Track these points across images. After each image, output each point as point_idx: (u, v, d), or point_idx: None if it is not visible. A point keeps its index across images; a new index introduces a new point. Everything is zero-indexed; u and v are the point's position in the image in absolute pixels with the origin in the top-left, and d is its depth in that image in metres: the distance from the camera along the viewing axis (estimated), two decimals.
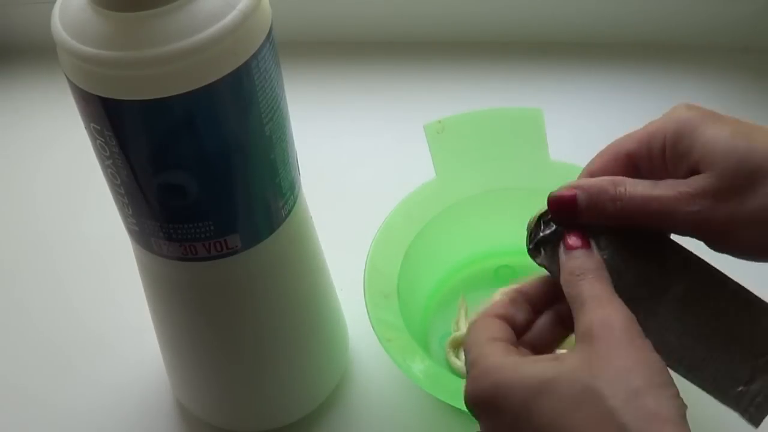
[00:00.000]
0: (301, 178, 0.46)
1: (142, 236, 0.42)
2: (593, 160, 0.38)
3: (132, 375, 0.57)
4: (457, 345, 0.54)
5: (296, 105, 0.45)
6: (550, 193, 0.37)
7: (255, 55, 0.37)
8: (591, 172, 0.38)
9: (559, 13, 0.78)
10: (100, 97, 0.35)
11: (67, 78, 0.37)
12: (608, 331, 0.32)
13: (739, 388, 0.34)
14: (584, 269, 0.35)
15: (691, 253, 0.36)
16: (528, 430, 0.31)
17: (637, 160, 0.37)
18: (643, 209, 0.35)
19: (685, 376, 0.35)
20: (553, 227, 0.37)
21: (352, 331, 0.56)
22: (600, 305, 0.33)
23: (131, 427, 0.55)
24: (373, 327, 0.49)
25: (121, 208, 0.42)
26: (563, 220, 0.37)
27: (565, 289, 0.35)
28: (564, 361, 0.32)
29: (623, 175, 0.36)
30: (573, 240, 0.36)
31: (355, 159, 0.72)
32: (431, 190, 0.56)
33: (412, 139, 0.58)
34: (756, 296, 0.36)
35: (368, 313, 0.49)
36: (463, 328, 0.55)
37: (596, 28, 0.78)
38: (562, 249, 0.36)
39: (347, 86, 0.79)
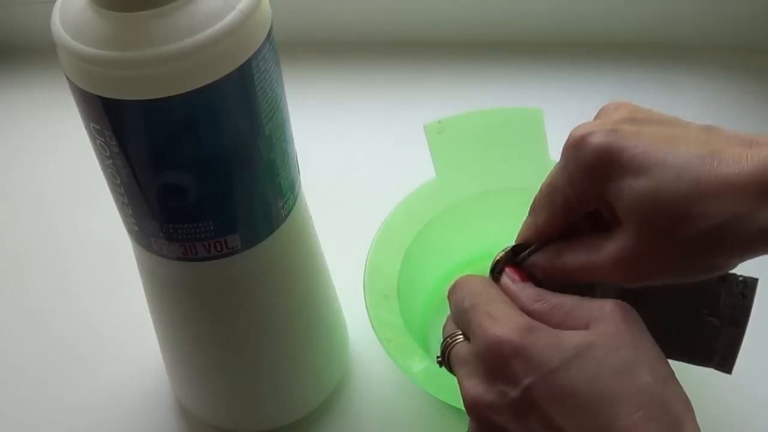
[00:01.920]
0: (301, 178, 0.46)
1: (142, 236, 0.42)
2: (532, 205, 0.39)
3: (132, 375, 0.57)
4: None
5: (296, 105, 0.45)
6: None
7: (255, 55, 0.37)
8: (535, 227, 0.38)
9: (559, 13, 0.78)
10: (100, 97, 0.35)
11: (67, 78, 0.37)
12: (627, 313, 0.33)
13: (709, 350, 0.36)
14: (537, 293, 0.36)
15: None
16: (560, 385, 0.31)
17: (562, 194, 0.35)
18: (582, 276, 0.35)
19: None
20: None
21: (352, 331, 0.56)
22: (595, 301, 0.34)
23: (131, 426, 0.55)
24: (373, 327, 0.49)
25: (121, 208, 0.42)
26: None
27: (533, 306, 0.35)
28: (593, 330, 0.32)
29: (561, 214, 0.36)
30: (515, 275, 0.37)
31: (355, 159, 0.72)
32: (431, 190, 0.56)
33: (412, 139, 0.58)
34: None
35: (368, 313, 0.49)
36: None
37: (596, 28, 0.78)
38: (505, 280, 0.37)
39: (347, 86, 0.79)
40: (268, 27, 0.38)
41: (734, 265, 0.33)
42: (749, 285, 0.36)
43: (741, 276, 0.36)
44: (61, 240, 0.67)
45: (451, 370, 0.37)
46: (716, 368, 0.37)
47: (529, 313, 0.35)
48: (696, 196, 0.30)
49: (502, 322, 0.34)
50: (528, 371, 0.32)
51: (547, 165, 0.55)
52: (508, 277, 0.37)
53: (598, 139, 0.33)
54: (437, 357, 0.37)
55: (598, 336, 0.32)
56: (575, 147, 0.34)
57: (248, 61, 0.36)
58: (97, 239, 0.66)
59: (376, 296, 0.51)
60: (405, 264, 0.53)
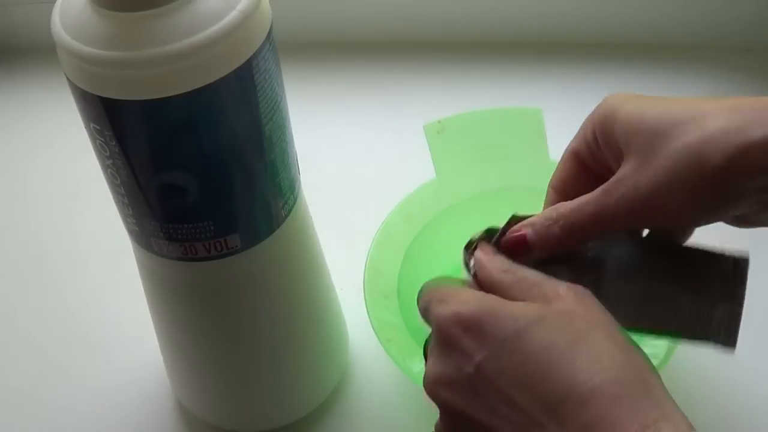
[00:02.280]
0: (301, 178, 0.46)
1: (142, 236, 0.42)
2: (554, 173, 0.40)
3: (132, 375, 0.57)
4: None
5: (296, 105, 0.45)
6: (503, 239, 0.38)
7: (255, 55, 0.37)
8: (555, 185, 0.40)
9: (558, 14, 0.78)
10: (100, 97, 0.35)
11: (67, 78, 0.37)
12: (581, 296, 0.33)
13: (706, 327, 0.36)
14: (507, 264, 0.36)
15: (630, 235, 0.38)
16: (513, 356, 0.31)
17: (582, 157, 0.39)
18: (581, 216, 0.36)
19: (654, 334, 0.37)
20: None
21: (352, 331, 0.56)
22: (557, 281, 0.34)
23: (132, 427, 0.55)
24: (373, 327, 0.49)
25: (121, 208, 0.42)
26: (520, 257, 0.37)
27: (501, 276, 0.36)
28: (549, 305, 0.33)
29: (579, 178, 0.39)
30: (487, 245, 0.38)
31: (355, 159, 0.72)
32: (431, 190, 0.56)
33: (412, 139, 0.58)
34: (697, 248, 0.37)
35: (368, 314, 0.49)
36: None
37: (596, 28, 0.78)
38: (476, 257, 0.38)
39: (347, 86, 0.79)
40: (268, 27, 0.38)
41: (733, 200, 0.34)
42: (740, 260, 0.36)
43: (732, 254, 0.37)
44: (61, 240, 0.67)
45: None
46: (717, 345, 0.36)
47: (494, 284, 0.35)
48: (681, 118, 0.34)
49: (451, 301, 0.34)
50: (480, 345, 0.32)
51: (547, 165, 0.56)
52: (481, 250, 0.38)
53: (608, 99, 0.38)
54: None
55: (552, 310, 0.32)
56: (604, 98, 0.39)
57: (248, 61, 0.36)
58: (97, 239, 0.66)
59: (376, 296, 0.51)
60: (405, 264, 0.53)
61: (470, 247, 0.39)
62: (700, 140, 0.33)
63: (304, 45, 0.74)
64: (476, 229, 0.58)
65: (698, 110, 0.34)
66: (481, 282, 0.37)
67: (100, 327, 0.60)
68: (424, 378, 0.34)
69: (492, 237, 0.39)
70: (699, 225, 0.36)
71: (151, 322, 0.50)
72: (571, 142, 0.39)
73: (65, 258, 0.66)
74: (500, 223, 0.39)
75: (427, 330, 0.37)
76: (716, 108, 0.34)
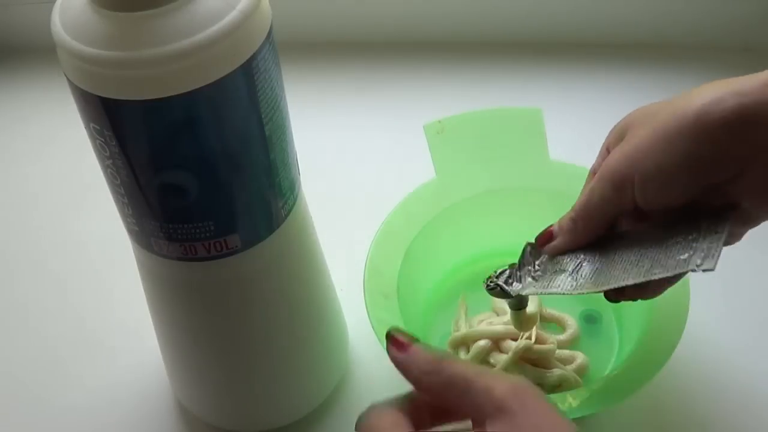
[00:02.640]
0: (301, 178, 0.46)
1: (142, 236, 0.42)
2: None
3: (132, 375, 0.57)
4: (458, 345, 0.54)
5: (296, 105, 0.45)
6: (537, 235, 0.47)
7: (255, 55, 0.37)
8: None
9: (559, 14, 0.78)
10: (100, 97, 0.35)
11: (67, 78, 0.37)
12: (522, 397, 0.31)
13: (689, 256, 0.38)
14: (438, 357, 0.34)
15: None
16: None
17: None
18: (589, 201, 0.42)
19: (644, 279, 0.40)
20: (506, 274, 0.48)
21: (352, 331, 0.56)
22: (491, 378, 0.32)
23: (132, 427, 0.54)
24: (373, 327, 0.49)
25: (121, 208, 0.42)
26: (547, 247, 0.46)
27: (430, 385, 0.33)
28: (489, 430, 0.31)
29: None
30: (400, 337, 0.35)
31: (355, 159, 0.72)
32: (431, 190, 0.56)
33: (412, 140, 0.58)
34: (689, 209, 0.40)
35: (368, 313, 0.49)
36: (463, 328, 0.55)
37: (596, 28, 0.78)
38: (393, 352, 0.35)
39: (347, 86, 0.79)
40: (268, 27, 0.38)
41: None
42: (724, 211, 0.39)
43: (715, 208, 0.39)
44: (61, 240, 0.67)
45: None
46: (699, 266, 0.37)
47: (425, 389, 0.34)
48: (671, 102, 0.39)
49: None
50: None
51: (547, 165, 0.56)
52: (393, 348, 0.35)
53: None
54: None
55: None
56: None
57: (248, 61, 0.36)
58: (97, 239, 0.66)
59: (376, 296, 0.51)
60: (405, 264, 0.53)
61: (490, 284, 0.48)
62: (684, 104, 0.37)
63: (304, 45, 0.74)
64: (476, 229, 0.59)
65: (686, 94, 0.38)
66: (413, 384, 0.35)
67: (100, 327, 0.60)
68: None
69: (513, 271, 0.47)
70: (686, 193, 0.38)
71: (151, 322, 0.50)
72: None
73: (65, 258, 0.66)
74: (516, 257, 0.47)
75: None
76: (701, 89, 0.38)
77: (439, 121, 0.56)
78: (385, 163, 0.70)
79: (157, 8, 0.34)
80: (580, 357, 0.53)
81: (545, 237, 0.46)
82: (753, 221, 0.40)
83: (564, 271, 0.44)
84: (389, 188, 0.57)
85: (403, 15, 0.80)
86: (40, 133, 0.77)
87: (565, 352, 0.53)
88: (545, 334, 0.53)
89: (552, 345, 0.52)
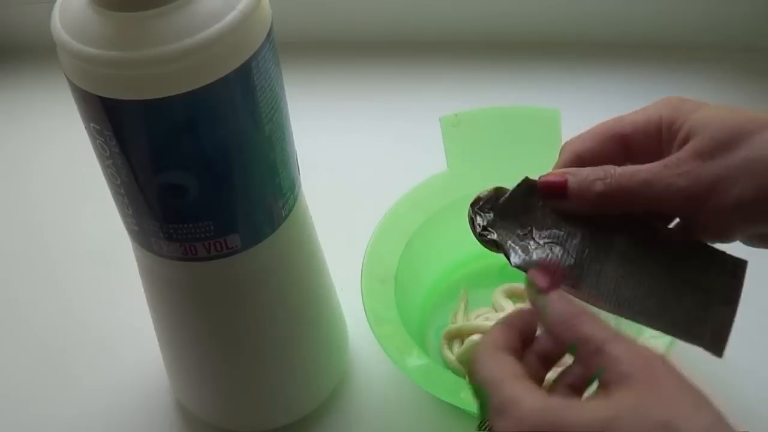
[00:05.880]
0: (301, 178, 0.46)
1: (142, 236, 0.42)
2: (578, 139, 0.39)
3: (132, 375, 0.57)
4: (452, 337, 0.54)
5: (296, 105, 0.45)
6: (540, 176, 0.38)
7: (255, 55, 0.37)
8: (581, 153, 0.38)
9: (559, 14, 0.78)
10: (100, 97, 0.35)
11: (67, 78, 0.37)
12: (650, 368, 0.31)
13: (698, 326, 0.35)
14: (574, 312, 0.33)
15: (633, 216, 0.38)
16: None
17: (632, 142, 0.38)
18: (631, 180, 0.36)
19: (647, 326, 0.36)
20: (490, 213, 0.39)
21: (352, 330, 0.56)
22: (622, 345, 0.32)
23: (132, 427, 0.55)
24: (368, 321, 0.49)
25: (121, 208, 0.42)
26: (553, 202, 0.38)
27: (561, 335, 0.33)
28: (617, 399, 0.30)
29: (616, 158, 0.38)
30: (544, 282, 0.35)
31: (355, 159, 0.72)
32: (441, 182, 0.56)
33: (413, 140, 0.58)
34: (701, 243, 0.37)
35: (363, 300, 0.49)
36: (460, 321, 0.55)
37: (595, 29, 0.78)
38: (533, 293, 0.35)
39: (347, 86, 0.79)
40: (268, 27, 0.38)
41: None
42: (740, 264, 0.37)
43: (731, 256, 0.37)
44: (61, 240, 0.67)
45: None
46: (706, 348, 0.36)
47: (552, 337, 0.34)
48: (760, 121, 0.35)
49: (509, 415, 0.31)
50: None
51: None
52: (534, 283, 0.35)
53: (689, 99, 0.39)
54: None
55: (619, 407, 0.30)
56: (667, 98, 0.39)
57: (248, 61, 0.36)
58: (97, 239, 0.66)
59: (373, 281, 0.51)
60: (406, 252, 0.53)
61: (476, 205, 0.40)
62: None
63: (304, 45, 0.74)
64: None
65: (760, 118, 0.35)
66: (542, 322, 0.35)
67: (100, 327, 0.60)
68: None
69: (501, 195, 0.39)
70: (741, 230, 0.36)
71: (151, 322, 0.50)
72: (613, 125, 0.39)
73: (65, 258, 0.66)
74: (511, 185, 0.40)
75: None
76: None
77: (456, 115, 0.56)
78: (386, 164, 0.70)
79: (157, 8, 0.34)
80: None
81: (554, 187, 0.37)
82: None
83: (558, 244, 0.38)
84: (389, 188, 0.57)
85: (403, 15, 0.80)
86: (40, 133, 0.77)
87: None
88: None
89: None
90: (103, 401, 0.56)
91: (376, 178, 0.69)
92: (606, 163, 0.37)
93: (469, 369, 0.35)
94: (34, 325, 0.62)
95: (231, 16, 0.35)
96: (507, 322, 0.36)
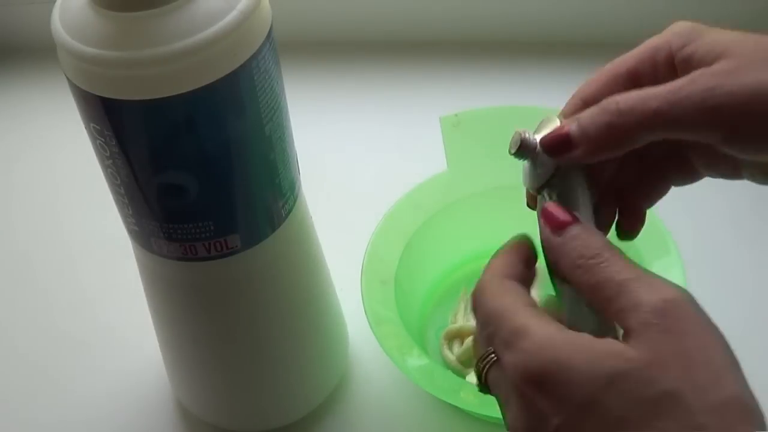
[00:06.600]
0: (301, 178, 0.46)
1: (142, 236, 0.42)
2: (587, 84, 0.35)
3: (132, 375, 0.57)
4: (452, 337, 0.54)
5: (296, 105, 0.45)
6: (542, 137, 0.34)
7: (255, 55, 0.37)
8: (585, 97, 0.35)
9: (559, 14, 0.78)
10: (100, 97, 0.35)
11: (67, 78, 0.37)
12: (673, 319, 0.28)
13: None
14: (594, 250, 0.30)
15: None
16: (590, 423, 0.28)
17: (640, 76, 0.34)
18: (644, 109, 0.31)
19: None
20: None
21: (352, 330, 0.56)
22: (645, 287, 0.29)
23: (131, 427, 0.55)
24: (369, 322, 0.49)
25: (121, 208, 0.42)
26: (561, 157, 0.33)
27: (577, 278, 0.31)
28: (630, 353, 0.28)
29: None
30: (558, 213, 0.32)
31: (355, 159, 0.72)
32: (441, 182, 0.56)
33: (413, 140, 0.58)
34: None
35: (363, 301, 0.49)
36: (460, 321, 0.55)
37: (597, 28, 0.78)
38: (547, 231, 0.32)
39: (347, 86, 0.79)
40: (268, 27, 0.38)
41: None
42: None
43: None
44: (61, 240, 0.67)
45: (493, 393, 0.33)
46: None
47: (572, 281, 0.31)
48: None
49: (517, 347, 0.29)
50: (557, 408, 0.28)
51: None
52: (547, 228, 0.32)
53: (681, 23, 0.35)
54: (477, 384, 0.33)
55: (635, 359, 0.27)
56: (674, 23, 0.36)
57: (248, 61, 0.36)
58: (97, 239, 0.66)
59: (373, 281, 0.51)
60: (406, 252, 0.53)
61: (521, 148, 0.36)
62: None
63: (304, 45, 0.74)
64: (484, 225, 0.58)
65: None
66: (552, 262, 0.32)
67: (101, 327, 0.60)
68: (507, 427, 0.31)
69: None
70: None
71: (151, 322, 0.50)
72: (619, 62, 0.35)
73: (65, 258, 0.66)
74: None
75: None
76: None
77: (456, 114, 0.55)
78: (386, 164, 0.70)
79: (157, 8, 0.34)
80: None
81: (557, 140, 0.33)
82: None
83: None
84: (389, 189, 0.57)
85: (404, 15, 0.80)
86: (40, 133, 0.77)
87: None
88: None
89: None
90: (103, 401, 0.56)
91: (376, 178, 0.69)
92: None
93: (474, 301, 0.33)
94: (34, 325, 0.62)
95: (231, 16, 0.35)
96: (509, 247, 0.34)
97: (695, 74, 0.31)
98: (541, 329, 0.29)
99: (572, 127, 0.33)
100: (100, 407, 0.56)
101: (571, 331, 0.30)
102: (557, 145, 0.33)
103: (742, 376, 0.28)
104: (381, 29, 0.81)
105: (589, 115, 0.32)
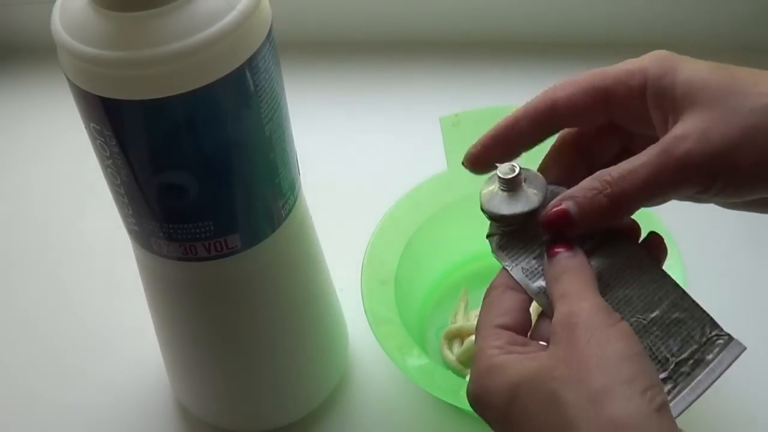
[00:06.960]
0: (301, 178, 0.46)
1: (142, 236, 0.42)
2: (559, 86, 0.37)
3: (132, 375, 0.57)
4: (452, 337, 0.54)
5: (296, 105, 0.45)
6: (542, 215, 0.35)
7: (255, 55, 0.37)
8: (554, 99, 0.37)
9: (560, 14, 0.78)
10: (100, 97, 0.35)
11: (67, 78, 0.37)
12: (571, 328, 0.31)
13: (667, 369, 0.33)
14: (565, 269, 0.34)
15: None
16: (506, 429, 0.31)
17: (613, 98, 0.36)
18: (634, 181, 0.33)
19: None
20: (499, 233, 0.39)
21: (352, 330, 0.56)
22: (568, 300, 0.32)
23: (131, 427, 0.55)
24: (369, 321, 0.49)
25: (121, 208, 0.42)
26: (562, 235, 0.35)
27: (549, 292, 0.34)
28: (536, 360, 0.31)
29: (593, 111, 0.36)
30: (556, 247, 0.35)
31: (355, 159, 0.72)
32: (441, 182, 0.56)
33: (413, 140, 0.58)
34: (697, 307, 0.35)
35: (363, 301, 0.49)
36: (460, 321, 0.55)
37: (597, 28, 0.78)
38: (545, 259, 0.35)
39: (347, 86, 0.79)
40: (268, 27, 0.38)
41: None
42: (730, 346, 0.33)
43: (727, 334, 0.34)
44: (61, 240, 0.67)
45: None
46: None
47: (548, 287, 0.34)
48: (756, 79, 0.34)
49: (472, 371, 0.33)
50: (486, 416, 0.32)
51: None
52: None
53: (660, 54, 0.38)
54: None
55: (529, 371, 0.31)
56: (651, 52, 0.38)
57: (248, 61, 0.36)
58: (97, 239, 0.66)
59: (373, 282, 0.51)
60: (406, 252, 0.53)
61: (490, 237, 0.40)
62: None
63: (304, 45, 0.74)
64: (484, 226, 0.58)
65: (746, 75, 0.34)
66: None
67: (100, 327, 0.60)
68: None
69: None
70: (761, 189, 0.33)
71: (151, 322, 0.50)
72: (594, 78, 0.37)
73: (65, 258, 0.66)
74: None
75: None
76: None
77: (456, 115, 0.56)
78: (386, 164, 0.70)
79: (157, 8, 0.34)
80: None
81: (558, 218, 0.34)
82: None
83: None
84: (389, 189, 0.57)
85: (404, 15, 0.80)
86: (40, 133, 0.77)
87: None
88: None
89: None
90: (104, 401, 0.56)
91: (376, 178, 0.69)
92: (581, 115, 0.36)
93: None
94: (34, 325, 0.62)
95: (231, 16, 0.35)
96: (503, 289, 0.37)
97: (669, 137, 0.33)
98: (486, 358, 0.32)
99: (570, 206, 0.34)
100: (99, 406, 0.56)
101: (520, 348, 0.32)
102: (560, 225, 0.35)
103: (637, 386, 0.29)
104: (381, 29, 0.81)
105: (582, 195, 0.34)
